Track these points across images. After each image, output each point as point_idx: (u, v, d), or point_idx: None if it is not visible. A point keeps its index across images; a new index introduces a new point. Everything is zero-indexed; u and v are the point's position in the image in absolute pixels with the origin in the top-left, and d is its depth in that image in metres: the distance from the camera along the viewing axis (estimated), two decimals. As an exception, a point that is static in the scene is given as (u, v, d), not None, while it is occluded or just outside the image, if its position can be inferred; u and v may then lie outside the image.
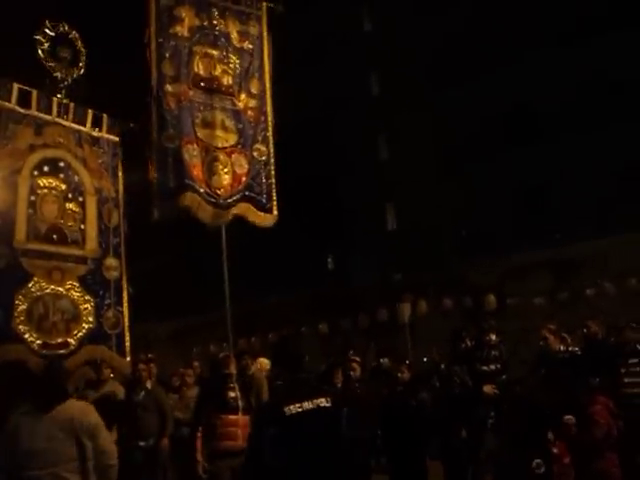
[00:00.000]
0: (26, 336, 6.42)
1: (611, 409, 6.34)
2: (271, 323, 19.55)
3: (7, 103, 6.48)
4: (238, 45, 7.95)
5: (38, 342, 6.49)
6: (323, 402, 3.97)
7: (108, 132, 7.41)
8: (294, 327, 18.18)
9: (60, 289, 6.72)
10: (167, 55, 7.30)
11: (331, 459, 3.92)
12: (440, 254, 20.18)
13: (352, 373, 8.32)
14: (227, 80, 7.77)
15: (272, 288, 21.69)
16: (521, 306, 16.44)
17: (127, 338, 7.28)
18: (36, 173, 6.72)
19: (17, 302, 6.44)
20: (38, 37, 6.88)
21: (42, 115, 6.72)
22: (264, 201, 7.71)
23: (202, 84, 7.53)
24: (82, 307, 6.92)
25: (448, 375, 7.99)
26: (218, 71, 7.69)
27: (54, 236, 6.72)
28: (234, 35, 7.93)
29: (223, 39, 7.81)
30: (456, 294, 17.79)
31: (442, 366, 9.00)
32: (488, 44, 19.90)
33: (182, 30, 7.48)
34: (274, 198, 7.81)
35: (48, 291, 6.63)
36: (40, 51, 6.84)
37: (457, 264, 18.88)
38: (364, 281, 21.20)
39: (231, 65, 7.84)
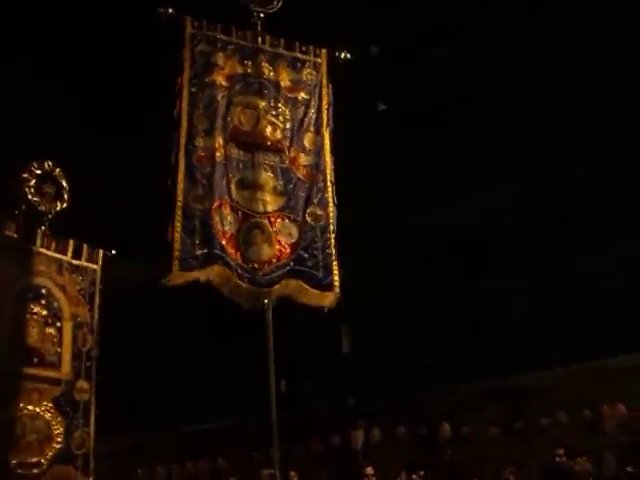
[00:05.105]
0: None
1: None
2: (220, 447, 19.19)
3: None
4: (291, 95, 7.06)
5: (14, 461, 6.68)
6: None
7: (87, 260, 7.70)
8: (245, 452, 17.88)
9: (37, 410, 6.98)
10: (201, 106, 6.53)
11: None
12: (394, 380, 20.32)
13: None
14: (275, 134, 6.83)
15: (222, 411, 21.40)
16: (476, 435, 16.51)
17: (92, 459, 7.48)
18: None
19: None
20: (25, 175, 7.33)
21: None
22: (320, 276, 6.61)
23: (243, 139, 6.64)
24: (54, 427, 7.20)
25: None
26: (263, 124, 6.79)
27: (34, 359, 6.97)
28: (285, 84, 7.05)
29: (272, 88, 6.94)
30: (410, 422, 17.80)
31: None
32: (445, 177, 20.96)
33: (220, 79, 6.69)
34: (335, 272, 6.71)
35: (25, 412, 6.85)
36: (27, 188, 7.25)
37: (411, 391, 19.01)
38: (317, 406, 21.09)
39: (280, 117, 6.92)
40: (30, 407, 6.92)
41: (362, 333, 22.21)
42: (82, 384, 7.41)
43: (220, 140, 6.50)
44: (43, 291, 7.30)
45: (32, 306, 7.20)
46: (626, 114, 18.40)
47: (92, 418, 7.53)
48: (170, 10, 6.57)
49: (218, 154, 6.45)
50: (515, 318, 19.47)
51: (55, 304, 7.28)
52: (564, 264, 18.78)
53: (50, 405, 7.04)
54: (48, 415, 7.00)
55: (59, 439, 7.06)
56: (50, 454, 7.01)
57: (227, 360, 22.39)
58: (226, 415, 21.12)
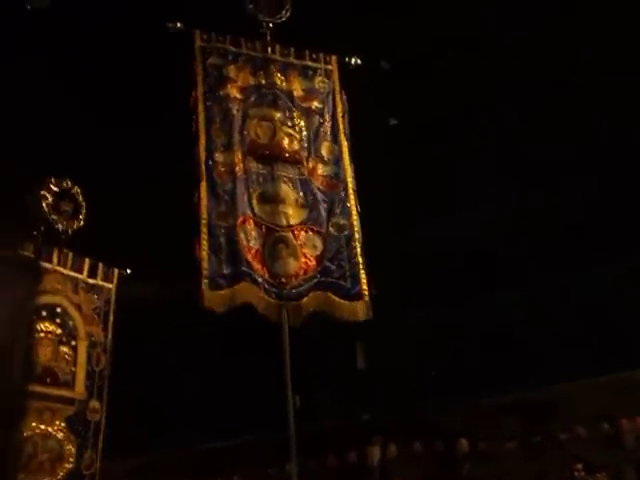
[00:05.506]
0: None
1: None
2: (235, 464, 19.09)
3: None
4: (304, 104, 7.13)
5: None
6: None
7: (103, 279, 7.70)
8: (260, 469, 17.77)
9: (49, 429, 6.94)
10: (217, 120, 6.57)
11: None
12: (410, 395, 20.17)
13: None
14: (292, 145, 6.92)
15: (237, 428, 21.30)
16: (493, 450, 16.34)
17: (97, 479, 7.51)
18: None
19: None
20: (43, 192, 7.33)
21: (44, 264, 7.05)
22: (349, 286, 6.74)
23: (260, 152, 6.74)
24: (66, 447, 7.17)
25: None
26: (280, 136, 6.88)
27: (47, 378, 6.95)
28: (298, 93, 7.12)
29: (285, 99, 7.03)
30: (426, 438, 17.64)
31: None
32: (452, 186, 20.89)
33: (234, 92, 6.70)
34: (364, 281, 6.83)
35: (37, 431, 6.82)
36: (44, 205, 7.26)
37: (427, 406, 18.86)
38: (332, 421, 20.96)
39: (296, 128, 7.00)
40: (42, 426, 6.93)
41: (377, 348, 22.07)
42: (94, 404, 7.43)
43: (239, 154, 6.59)
44: (58, 310, 7.38)
45: (47, 324, 7.25)
46: (636, 118, 18.28)
47: (101, 438, 7.53)
48: (179, 24, 6.57)
49: (238, 169, 6.52)
50: (531, 330, 19.30)
51: (70, 323, 7.33)
52: (581, 274, 18.64)
53: (63, 425, 7.06)
54: (60, 435, 7.01)
55: (71, 459, 7.06)
56: (61, 474, 7.02)
57: (241, 377, 22.29)
58: (241, 432, 21.02)
